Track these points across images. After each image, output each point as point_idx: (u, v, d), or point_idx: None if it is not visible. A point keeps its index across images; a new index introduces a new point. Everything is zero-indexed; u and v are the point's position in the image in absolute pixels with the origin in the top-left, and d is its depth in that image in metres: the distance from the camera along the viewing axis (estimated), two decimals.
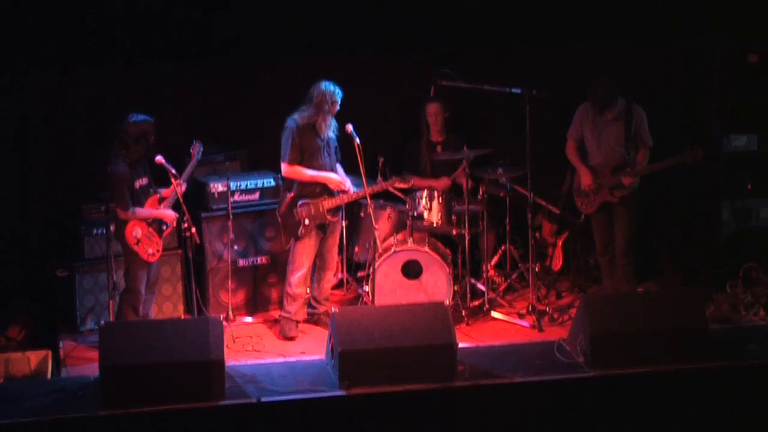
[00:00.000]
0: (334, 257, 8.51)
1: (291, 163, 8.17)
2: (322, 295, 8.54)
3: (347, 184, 8.25)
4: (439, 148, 9.13)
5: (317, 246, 8.34)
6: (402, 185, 8.52)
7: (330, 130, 8.23)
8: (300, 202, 8.21)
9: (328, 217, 8.29)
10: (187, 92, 9.19)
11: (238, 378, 7.20)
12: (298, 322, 8.38)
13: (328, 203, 8.26)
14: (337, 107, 8.18)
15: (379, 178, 8.56)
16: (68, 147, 8.95)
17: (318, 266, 8.44)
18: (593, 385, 7.19)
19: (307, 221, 8.21)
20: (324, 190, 8.27)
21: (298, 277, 8.29)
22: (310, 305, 8.55)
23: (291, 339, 8.28)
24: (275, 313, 8.71)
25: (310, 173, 8.18)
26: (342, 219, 8.88)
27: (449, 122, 9.16)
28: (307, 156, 8.18)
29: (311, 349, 7.99)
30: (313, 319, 8.54)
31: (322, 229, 8.32)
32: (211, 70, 9.15)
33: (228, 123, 9.22)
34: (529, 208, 8.62)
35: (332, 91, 8.12)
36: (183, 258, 8.56)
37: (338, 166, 8.45)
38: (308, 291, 8.49)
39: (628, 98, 8.43)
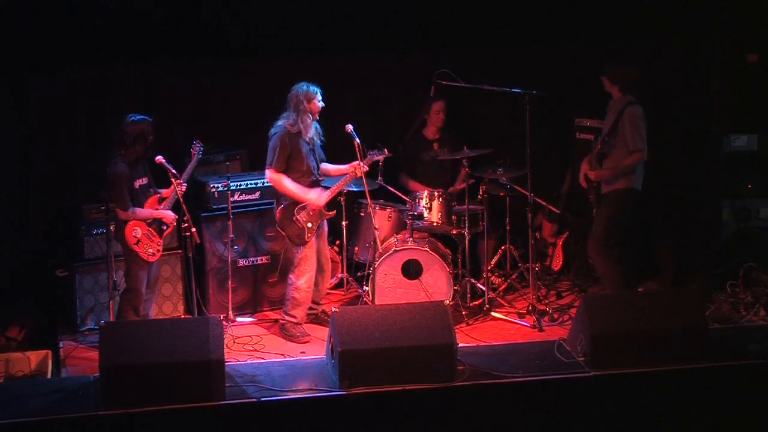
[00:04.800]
0: (327, 258, 8.52)
1: (278, 170, 8.14)
2: (320, 295, 8.58)
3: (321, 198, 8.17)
4: (435, 146, 9.14)
5: (316, 245, 8.35)
6: (378, 158, 8.35)
7: (311, 131, 8.21)
8: (297, 209, 8.21)
9: (327, 213, 8.29)
10: (187, 92, 9.19)
11: (238, 378, 7.20)
12: (301, 324, 8.37)
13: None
14: (318, 105, 8.13)
15: (361, 160, 8.29)
16: (68, 147, 8.95)
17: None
18: (593, 385, 7.19)
19: (309, 224, 8.20)
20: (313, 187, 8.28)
21: (307, 280, 8.27)
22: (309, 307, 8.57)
23: (305, 343, 8.22)
24: (276, 314, 8.70)
25: (290, 187, 8.15)
26: (342, 219, 8.90)
27: (446, 122, 9.18)
28: (296, 161, 8.16)
29: (311, 349, 7.99)
30: (311, 319, 8.55)
31: (319, 227, 8.34)
32: (211, 70, 9.16)
33: (228, 123, 9.22)
34: (529, 208, 8.62)
35: (305, 90, 8.09)
36: (183, 258, 8.57)
37: (325, 164, 8.43)
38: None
39: (632, 100, 8.40)
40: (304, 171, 8.20)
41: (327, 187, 8.35)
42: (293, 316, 8.31)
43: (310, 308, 8.52)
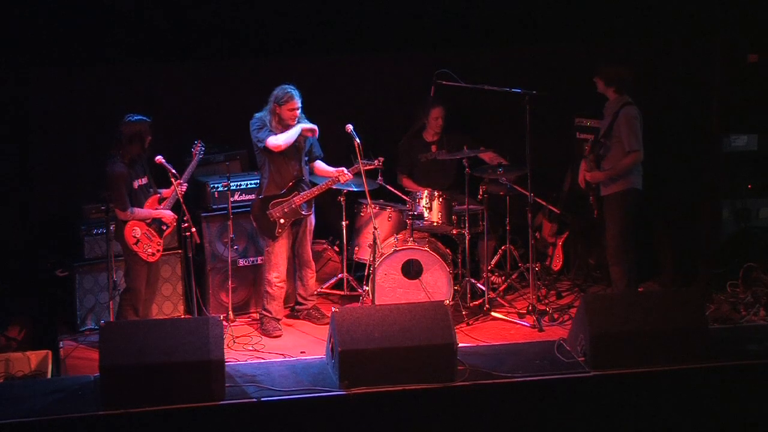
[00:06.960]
0: (309, 253, 8.56)
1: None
2: (308, 292, 8.61)
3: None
4: (433, 148, 9.15)
5: (291, 241, 8.39)
6: (368, 167, 8.38)
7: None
8: (272, 203, 8.25)
9: (302, 212, 8.31)
10: (187, 92, 9.19)
11: (238, 378, 7.20)
12: (279, 319, 8.41)
13: (299, 199, 8.28)
14: (290, 113, 8.19)
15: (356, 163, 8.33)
16: (68, 147, 8.95)
17: (298, 265, 8.51)
18: (593, 385, 7.19)
19: (282, 220, 8.26)
20: (294, 187, 8.29)
21: (278, 275, 8.34)
22: (297, 303, 8.63)
23: (276, 337, 8.30)
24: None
25: None
26: (342, 219, 8.90)
27: (444, 127, 9.18)
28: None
29: (311, 349, 7.99)
30: (302, 315, 8.62)
31: (296, 224, 8.35)
32: (211, 70, 9.16)
33: (228, 123, 9.22)
34: (529, 208, 8.61)
35: (278, 93, 8.21)
36: (183, 258, 8.57)
37: (319, 163, 8.53)
38: (292, 288, 8.60)
39: (628, 101, 8.39)
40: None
41: (315, 184, 8.39)
42: (269, 311, 8.38)
43: (299, 304, 8.59)
